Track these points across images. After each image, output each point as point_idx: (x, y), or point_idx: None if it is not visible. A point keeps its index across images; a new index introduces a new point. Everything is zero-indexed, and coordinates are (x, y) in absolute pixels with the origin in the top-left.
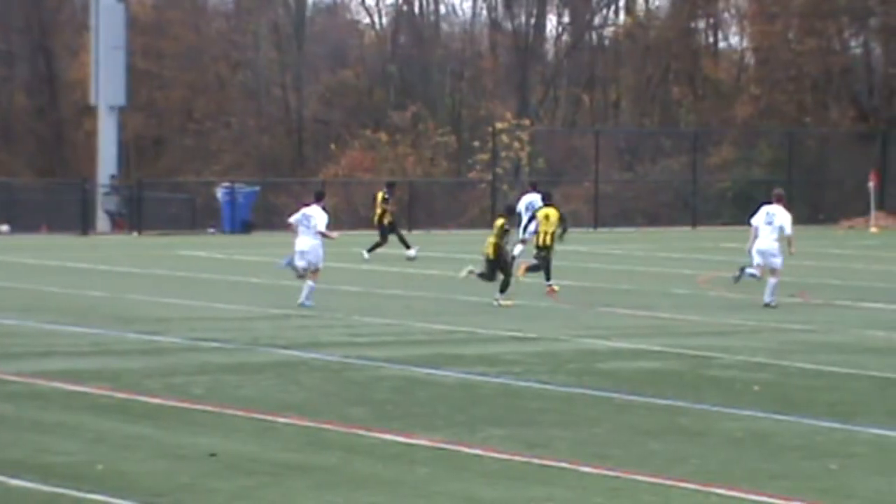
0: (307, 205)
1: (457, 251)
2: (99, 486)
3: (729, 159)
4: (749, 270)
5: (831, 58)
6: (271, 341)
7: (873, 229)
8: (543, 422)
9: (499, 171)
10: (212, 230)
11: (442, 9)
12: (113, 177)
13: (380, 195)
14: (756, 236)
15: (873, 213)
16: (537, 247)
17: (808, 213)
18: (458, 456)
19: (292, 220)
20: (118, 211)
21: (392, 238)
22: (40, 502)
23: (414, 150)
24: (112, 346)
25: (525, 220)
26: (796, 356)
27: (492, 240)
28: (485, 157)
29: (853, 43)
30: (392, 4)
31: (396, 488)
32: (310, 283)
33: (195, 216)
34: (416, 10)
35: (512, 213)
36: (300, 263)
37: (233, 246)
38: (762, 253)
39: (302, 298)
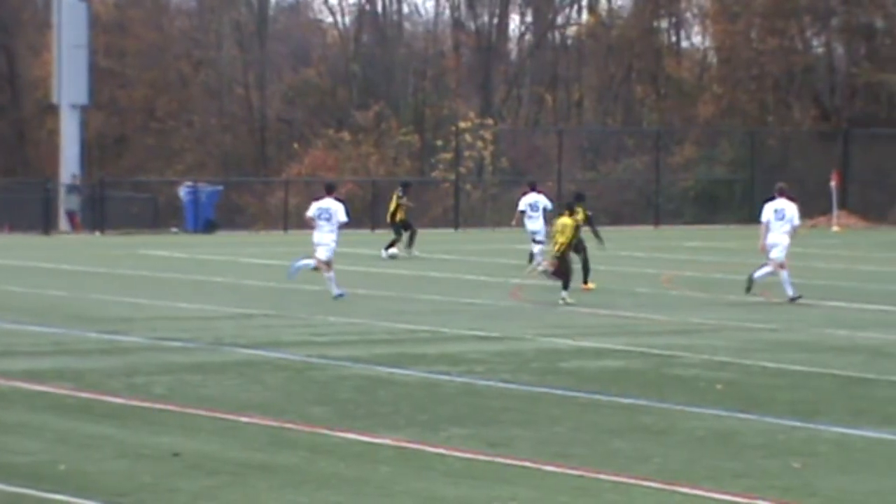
0: (319, 198)
1: (420, 250)
2: (61, 486)
3: (691, 158)
4: (760, 273)
5: (793, 57)
6: (234, 341)
7: (835, 228)
8: (506, 421)
9: (462, 170)
10: (174, 229)
11: (405, 8)
12: (74, 176)
13: (395, 194)
14: (768, 231)
15: (835, 211)
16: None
17: None
18: (421, 455)
19: (310, 214)
20: (75, 210)
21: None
22: (2, 502)
23: (377, 149)
24: (74, 345)
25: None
26: (759, 355)
27: (563, 239)
28: (448, 156)
29: (815, 42)
30: (355, 4)
31: (359, 487)
32: (328, 274)
33: (158, 215)
34: (379, 9)
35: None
36: (323, 256)
37: (196, 245)
38: (773, 247)
39: (334, 291)
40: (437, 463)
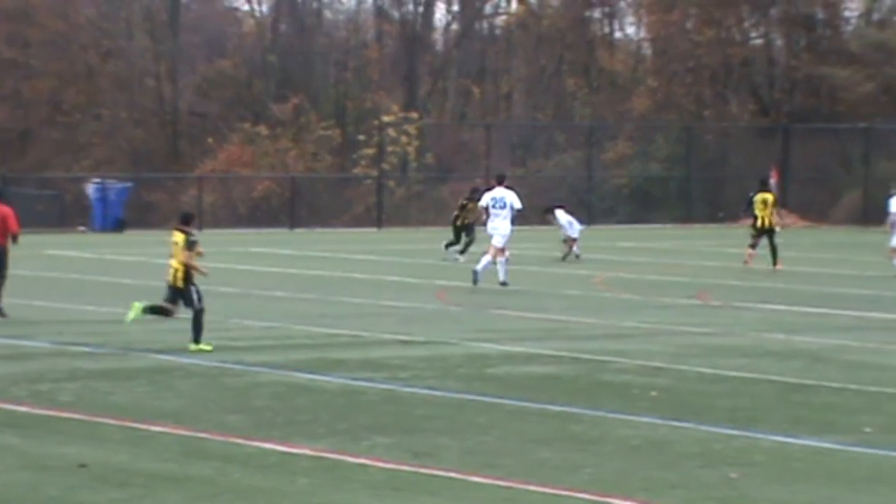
0: (490, 189)
1: (341, 250)
2: None
3: (625, 154)
4: None
5: (731, 49)
6: (145, 345)
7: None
8: (431, 429)
9: (385, 166)
10: (82, 228)
11: None
12: None
13: (463, 200)
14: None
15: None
16: (756, 229)
17: (707, 210)
18: (342, 466)
19: (483, 204)
20: None
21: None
22: None
23: (296, 144)
24: None
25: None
26: (694, 360)
27: None
28: (370, 151)
29: (753, 34)
30: None
31: (276, 500)
32: (500, 259)
33: (64, 213)
34: None
35: None
36: (498, 243)
37: (104, 245)
38: None
39: (501, 277)
40: (358, 474)
